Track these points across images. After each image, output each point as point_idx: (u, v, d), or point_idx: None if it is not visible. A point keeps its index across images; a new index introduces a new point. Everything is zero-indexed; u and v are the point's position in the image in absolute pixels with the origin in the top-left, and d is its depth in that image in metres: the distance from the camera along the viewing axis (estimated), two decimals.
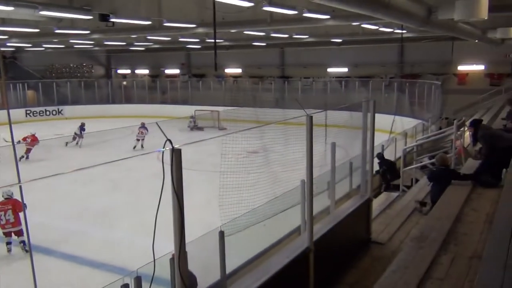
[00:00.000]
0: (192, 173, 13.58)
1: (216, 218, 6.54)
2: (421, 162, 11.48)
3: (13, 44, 26.06)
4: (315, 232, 4.75)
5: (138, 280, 3.57)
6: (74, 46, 28.86)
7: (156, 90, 33.49)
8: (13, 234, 8.68)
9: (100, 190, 13.08)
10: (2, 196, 8.98)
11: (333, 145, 5.87)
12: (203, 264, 5.01)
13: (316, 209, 5.30)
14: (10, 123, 3.33)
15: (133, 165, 14.60)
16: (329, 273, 5.20)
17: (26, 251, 8.35)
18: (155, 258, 3.37)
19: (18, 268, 7.76)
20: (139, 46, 30.03)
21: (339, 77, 30.08)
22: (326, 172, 6.39)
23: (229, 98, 30.26)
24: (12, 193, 8.73)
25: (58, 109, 30.40)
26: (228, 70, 34.51)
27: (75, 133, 21.46)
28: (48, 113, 30.04)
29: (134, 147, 20.10)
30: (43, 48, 30.43)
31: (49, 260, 8.09)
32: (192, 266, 3.65)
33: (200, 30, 16.96)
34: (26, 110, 29.52)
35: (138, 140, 20.49)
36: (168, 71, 38.02)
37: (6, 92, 22.54)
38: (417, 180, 10.78)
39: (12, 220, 8.57)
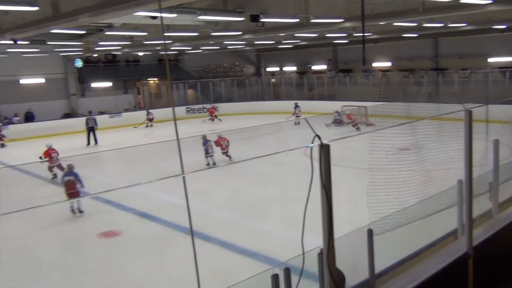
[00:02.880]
0: (339, 169, 13.43)
1: (364, 216, 6.38)
2: None
3: (176, 48, 28.63)
4: (474, 237, 4.36)
5: (287, 271, 3.66)
6: (227, 47, 30.63)
7: (303, 87, 33.90)
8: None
9: (250, 183, 13.68)
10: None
11: (496, 142, 5.32)
12: (350, 262, 4.93)
13: (476, 212, 4.86)
14: (174, 119, 3.66)
15: (281, 160, 15.02)
16: (490, 282, 4.74)
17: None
18: (304, 252, 3.41)
19: (180, 252, 8.51)
20: (287, 44, 30.68)
21: (503, 68, 27.14)
22: (487, 172, 5.82)
23: (377, 93, 29.33)
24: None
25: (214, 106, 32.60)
26: (376, 64, 33.44)
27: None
28: (205, 110, 32.36)
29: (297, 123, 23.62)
30: (201, 50, 32.92)
31: (206, 246, 8.72)
32: (340, 263, 3.62)
33: (348, 24, 16.70)
34: (186, 108, 32.22)
35: (297, 117, 24.20)
36: (315, 68, 38.23)
37: (171, 91, 24.84)
38: None
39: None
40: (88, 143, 22.44)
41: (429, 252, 5.12)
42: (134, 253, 8.86)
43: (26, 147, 22.45)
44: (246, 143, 20.83)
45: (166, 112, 28.78)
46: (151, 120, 28.24)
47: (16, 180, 15.76)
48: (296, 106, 25.91)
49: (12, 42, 15.17)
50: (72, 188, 11.14)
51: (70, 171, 11.45)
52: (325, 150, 3.29)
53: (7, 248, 9.53)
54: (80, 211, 11.38)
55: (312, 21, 16.18)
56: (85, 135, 22.65)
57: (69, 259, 8.81)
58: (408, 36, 26.45)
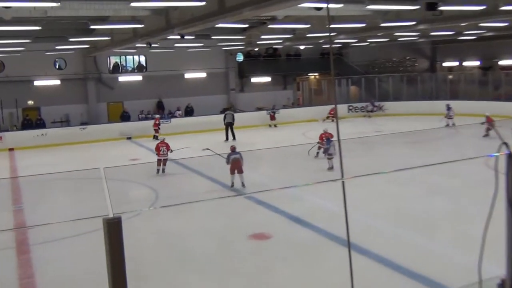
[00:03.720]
0: None
1: None
2: None
3: (340, 40, 28.65)
4: None
5: None
6: (398, 39, 29.68)
7: (488, 85, 31.23)
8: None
9: (418, 192, 13.05)
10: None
11: None
12: None
13: None
14: (337, 117, 3.65)
15: (455, 169, 14.04)
16: None
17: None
18: (482, 279, 3.13)
19: (332, 263, 8.49)
20: (468, 35, 28.60)
21: None
22: None
23: None
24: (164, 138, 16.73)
25: (379, 105, 31.84)
26: None
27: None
28: (369, 107, 31.86)
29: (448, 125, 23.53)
30: (367, 43, 32.43)
31: (361, 259, 8.56)
32: None
33: None
34: (348, 106, 32.08)
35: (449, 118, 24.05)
36: (503, 63, 34.95)
37: (334, 88, 25.01)
38: None
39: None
40: (226, 139, 23.82)
41: None
42: (284, 260, 9.08)
43: (183, 140, 24.59)
44: (412, 148, 19.97)
45: (326, 110, 29.05)
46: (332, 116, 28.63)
47: (175, 173, 17.36)
48: (449, 108, 25.13)
49: (179, 37, 16.70)
50: (238, 165, 14.10)
51: (233, 151, 14.46)
52: None
53: (165, 238, 10.58)
54: (243, 185, 14.11)
55: (502, 8, 14.79)
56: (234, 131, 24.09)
57: (220, 257, 9.39)
58: None
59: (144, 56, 31.35)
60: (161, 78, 30.94)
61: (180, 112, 30.38)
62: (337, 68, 35.26)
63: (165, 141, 17.07)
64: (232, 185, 14.27)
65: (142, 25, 15.91)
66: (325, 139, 16.80)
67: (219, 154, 15.21)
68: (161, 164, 16.62)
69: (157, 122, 25.39)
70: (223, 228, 11.16)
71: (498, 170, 3.03)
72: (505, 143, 2.97)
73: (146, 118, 29.06)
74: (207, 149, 16.11)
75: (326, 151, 16.24)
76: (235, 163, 14.16)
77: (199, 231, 10.92)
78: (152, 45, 20.53)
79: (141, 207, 13.46)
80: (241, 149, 15.53)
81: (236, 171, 14.18)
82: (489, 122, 19.55)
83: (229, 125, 24.44)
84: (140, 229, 10.65)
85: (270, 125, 28.37)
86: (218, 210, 12.16)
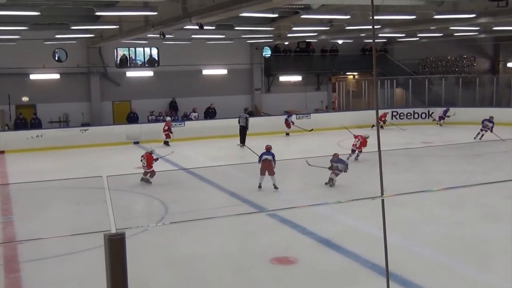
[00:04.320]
0: None
1: None
2: None
3: (385, 35, 28.55)
4: None
5: None
6: (454, 34, 29.43)
7: None
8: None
9: (472, 216, 12.88)
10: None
11: None
12: None
13: None
14: (377, 124, 3.64)
15: None
16: None
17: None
18: None
19: None
20: None
21: None
22: None
23: None
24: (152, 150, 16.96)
25: (428, 111, 31.53)
26: None
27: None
28: (416, 115, 31.51)
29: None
30: (417, 38, 32.23)
31: None
32: None
33: None
34: (392, 112, 31.82)
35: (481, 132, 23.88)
36: None
37: (377, 90, 24.95)
38: None
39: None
40: (240, 143, 24.41)
41: None
42: None
43: (201, 147, 24.75)
44: (471, 163, 19.72)
45: (366, 115, 28.87)
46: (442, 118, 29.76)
47: (187, 184, 17.48)
48: (490, 120, 24.59)
49: (198, 27, 16.85)
50: (269, 166, 15.18)
51: (268, 150, 15.61)
52: None
53: (174, 259, 10.64)
54: (275, 187, 15.15)
55: None
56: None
57: (236, 283, 9.40)
58: None
59: (157, 48, 31.70)
60: (175, 75, 31.20)
61: (196, 114, 30.54)
62: (381, 67, 35.09)
63: (153, 153, 17.07)
64: (260, 187, 15.34)
65: (156, 13, 16.10)
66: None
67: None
68: (147, 175, 16.75)
69: (167, 125, 25.49)
70: (240, 249, 11.18)
71: None
72: None
73: (156, 120, 29.32)
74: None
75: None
76: (266, 163, 15.23)
77: (213, 252, 10.95)
78: (166, 36, 20.72)
79: (148, 222, 13.57)
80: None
81: (266, 172, 15.22)
82: None
83: (242, 129, 24.87)
84: (146, 247, 10.74)
85: (287, 133, 28.06)
86: (236, 228, 12.18)
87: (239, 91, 33.65)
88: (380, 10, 18.39)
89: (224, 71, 33.20)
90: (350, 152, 19.33)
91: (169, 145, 24.69)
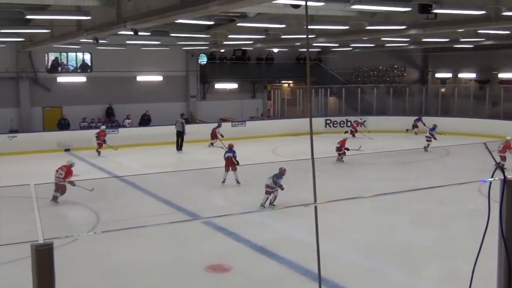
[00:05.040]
0: None
1: None
2: None
3: (320, 44, 29.03)
4: None
5: None
6: (385, 45, 30.27)
7: (485, 100, 32.09)
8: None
9: (402, 222, 13.26)
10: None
11: None
12: None
13: None
14: (311, 133, 3.69)
15: (445, 195, 14.36)
16: None
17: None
18: None
19: None
20: (465, 43, 29.38)
21: None
22: None
23: None
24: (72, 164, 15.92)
25: (360, 119, 32.30)
26: None
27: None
28: (349, 124, 32.21)
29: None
30: (350, 48, 32.96)
31: None
32: None
33: None
34: (326, 120, 32.40)
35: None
36: (503, 76, 36.03)
37: (311, 98, 25.28)
38: None
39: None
40: (177, 149, 25.04)
41: None
42: None
43: (135, 154, 24.38)
44: (401, 170, 20.30)
45: (300, 123, 29.23)
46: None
47: (120, 192, 17.16)
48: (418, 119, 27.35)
49: (132, 33, 16.61)
50: (231, 162, 17.29)
51: (230, 149, 17.91)
52: (509, 187, 3.06)
53: (106, 270, 10.39)
54: (238, 182, 17.20)
55: (505, 13, 15.28)
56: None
57: None
58: None
59: (90, 53, 30.94)
60: (109, 81, 30.63)
61: (130, 120, 30.07)
62: (315, 75, 35.64)
63: (72, 166, 16.09)
64: (223, 181, 17.29)
65: (89, 17, 15.76)
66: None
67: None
68: (58, 190, 15.42)
69: (98, 134, 24.81)
70: (174, 258, 11.07)
71: (491, 198, 3.10)
72: (500, 167, 3.05)
73: (89, 127, 28.70)
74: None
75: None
76: (229, 160, 17.39)
77: (146, 261, 10.79)
78: (100, 41, 20.35)
79: (79, 232, 13.21)
80: (197, 166, 15.55)
81: (230, 168, 17.26)
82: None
83: (179, 135, 25.19)
84: (76, 258, 10.44)
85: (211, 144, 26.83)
86: (170, 237, 12.04)
87: (174, 98, 33.40)
88: (315, 20, 18.69)
89: (159, 78, 32.89)
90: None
91: (100, 155, 24.23)
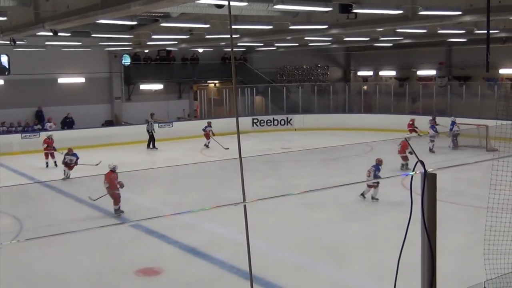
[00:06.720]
0: (448, 207, 13.04)
1: (477, 270, 6.10)
2: None
3: (244, 44, 29.15)
4: None
5: None
6: (308, 44, 30.78)
7: (405, 97, 33.26)
8: None
9: (330, 217, 13.53)
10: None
11: None
12: None
13: None
14: (238, 133, 3.70)
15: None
16: None
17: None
18: None
19: None
20: (385, 42, 30.35)
21: None
22: None
23: (504, 108, 28.15)
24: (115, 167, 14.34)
25: (287, 118, 32.70)
26: (504, 71, 32.19)
27: None
28: (276, 122, 32.54)
29: None
30: (275, 48, 33.30)
31: None
32: None
33: (467, 18, 16.26)
34: (253, 119, 32.59)
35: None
36: (421, 73, 37.47)
37: (237, 98, 25.27)
38: None
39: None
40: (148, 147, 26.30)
41: None
42: None
43: (58, 158, 23.59)
44: (328, 167, 20.71)
45: (227, 123, 29.23)
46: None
47: (44, 198, 16.61)
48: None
49: (52, 33, 16.11)
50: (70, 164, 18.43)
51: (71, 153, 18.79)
52: (429, 180, 3.19)
53: (32, 279, 10.03)
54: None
55: (421, 13, 15.87)
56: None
57: None
58: None
59: (7, 55, 29.68)
60: (29, 83, 29.48)
61: (51, 124, 29.08)
62: (241, 75, 35.83)
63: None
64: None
65: (5, 18, 15.19)
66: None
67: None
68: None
69: (45, 143, 23.02)
70: (104, 264, 10.84)
71: (413, 190, 3.23)
72: (421, 161, 3.17)
73: (8, 132, 27.60)
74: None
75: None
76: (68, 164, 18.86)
77: (74, 268, 10.52)
78: (17, 42, 19.61)
79: (1, 240, 12.67)
80: (123, 169, 15.27)
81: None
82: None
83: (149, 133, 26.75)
84: (0, 267, 10.03)
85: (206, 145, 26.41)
86: (99, 242, 11.79)
87: (98, 100, 32.60)
88: (239, 20, 18.76)
89: (81, 80, 31.99)
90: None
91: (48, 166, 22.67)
